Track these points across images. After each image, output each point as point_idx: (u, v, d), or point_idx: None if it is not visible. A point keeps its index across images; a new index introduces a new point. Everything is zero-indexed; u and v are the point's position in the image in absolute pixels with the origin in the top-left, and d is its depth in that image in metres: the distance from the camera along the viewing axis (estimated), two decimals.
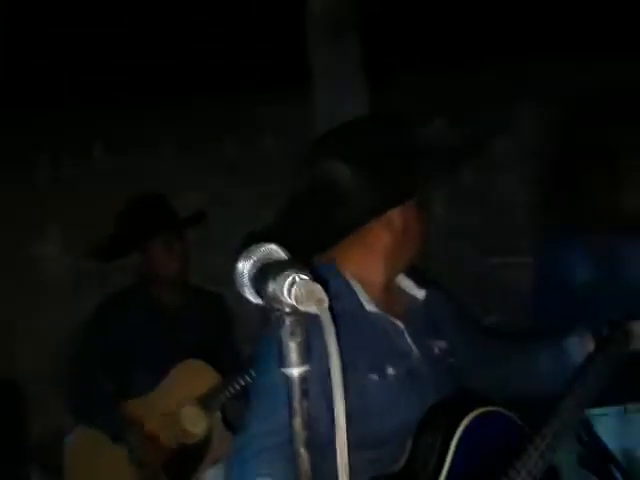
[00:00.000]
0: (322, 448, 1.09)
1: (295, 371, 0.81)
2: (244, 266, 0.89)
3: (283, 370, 0.82)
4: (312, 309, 0.76)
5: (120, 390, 2.60)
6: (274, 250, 0.89)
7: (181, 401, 2.52)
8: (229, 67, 3.60)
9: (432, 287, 1.60)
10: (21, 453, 3.23)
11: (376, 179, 1.43)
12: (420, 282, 1.58)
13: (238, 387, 2.46)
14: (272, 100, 3.69)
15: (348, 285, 1.48)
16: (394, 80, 3.70)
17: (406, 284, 1.57)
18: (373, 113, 3.15)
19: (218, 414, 2.53)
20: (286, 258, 0.88)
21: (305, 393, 0.81)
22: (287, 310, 0.80)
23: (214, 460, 2.54)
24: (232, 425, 2.54)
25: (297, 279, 0.78)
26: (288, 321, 0.81)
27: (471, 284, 3.43)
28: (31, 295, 3.63)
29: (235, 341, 2.83)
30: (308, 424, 0.82)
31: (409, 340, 1.50)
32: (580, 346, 1.62)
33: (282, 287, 0.78)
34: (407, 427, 1.41)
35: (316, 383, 1.15)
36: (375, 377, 1.41)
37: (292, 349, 0.81)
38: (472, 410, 1.42)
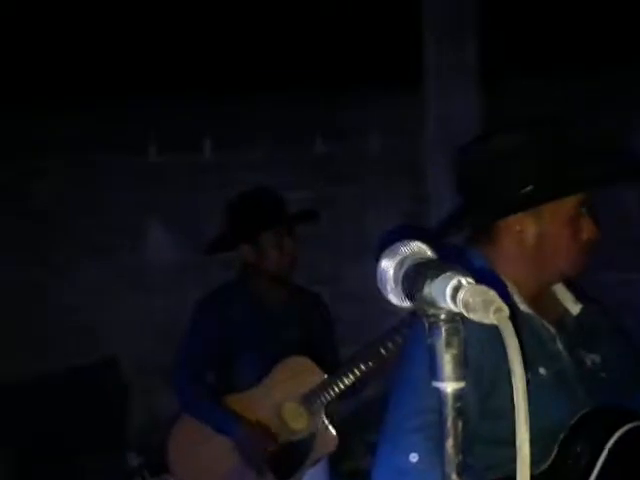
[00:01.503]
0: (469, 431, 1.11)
1: (449, 386, 0.72)
2: (388, 265, 0.81)
3: (435, 384, 0.73)
4: (489, 319, 0.67)
5: (224, 384, 2.60)
6: (422, 249, 0.81)
7: (284, 397, 2.50)
8: (341, 64, 3.55)
9: (591, 303, 1.55)
10: (122, 438, 3.30)
11: (542, 169, 1.41)
12: (579, 297, 1.53)
13: (343, 387, 2.41)
14: (384, 100, 3.62)
15: (501, 281, 1.43)
16: (507, 84, 3.56)
17: (563, 296, 1.53)
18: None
19: (323, 414, 2.48)
20: (435, 257, 0.79)
21: (460, 412, 0.72)
22: (443, 317, 0.72)
23: (316, 459, 2.51)
24: (336, 425, 2.48)
25: (463, 283, 0.69)
26: (444, 329, 0.72)
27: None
28: (135, 285, 3.70)
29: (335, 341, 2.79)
30: (462, 446, 0.73)
31: (560, 346, 1.46)
32: None
33: (443, 291, 0.69)
34: (552, 430, 1.38)
35: (471, 371, 1.18)
36: (528, 375, 1.35)
37: (447, 361, 0.72)
38: (625, 423, 1.38)
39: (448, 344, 0.72)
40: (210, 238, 2.84)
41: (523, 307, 1.44)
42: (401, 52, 3.43)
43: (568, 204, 1.43)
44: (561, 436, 1.39)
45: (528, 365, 1.36)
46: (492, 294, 0.68)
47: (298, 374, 2.52)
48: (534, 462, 1.36)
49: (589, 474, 1.36)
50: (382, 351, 2.38)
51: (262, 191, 2.72)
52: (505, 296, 1.39)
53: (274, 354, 2.54)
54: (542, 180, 1.41)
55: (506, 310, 0.68)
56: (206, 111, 3.73)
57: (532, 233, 1.44)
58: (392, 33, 3.46)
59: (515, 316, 1.36)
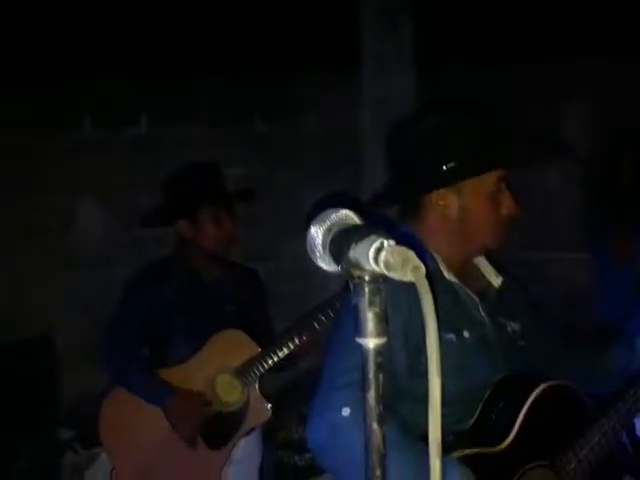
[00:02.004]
0: (396, 390, 1.30)
1: (371, 342, 0.78)
2: (317, 231, 0.86)
3: (358, 340, 0.78)
4: (407, 277, 0.72)
5: (157, 358, 2.61)
6: (349, 215, 0.86)
7: (218, 370, 2.53)
8: (281, 44, 3.56)
9: (509, 276, 1.66)
10: (52, 413, 3.27)
11: (463, 147, 1.50)
12: (499, 271, 1.63)
13: (276, 360, 2.46)
14: (322, 81, 3.65)
15: (428, 252, 1.52)
16: (443, 68, 3.64)
17: (486, 270, 1.62)
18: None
19: (256, 386, 2.52)
20: (361, 224, 0.85)
21: (380, 366, 0.78)
22: (367, 278, 0.77)
23: (249, 430, 2.55)
24: (269, 397, 2.53)
25: (385, 245, 0.74)
26: (367, 289, 0.77)
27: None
28: (68, 262, 3.65)
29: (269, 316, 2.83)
30: (383, 398, 0.79)
31: (483, 314, 1.56)
32: None
33: (367, 253, 0.75)
34: (477, 390, 1.49)
35: (398, 329, 1.33)
36: (452, 337, 1.47)
37: (369, 319, 0.77)
38: (543, 382, 1.50)
39: (371, 303, 0.77)
40: (144, 213, 2.82)
41: (449, 276, 1.53)
42: (338, 34, 3.46)
43: (488, 180, 1.52)
44: (485, 395, 1.49)
45: (453, 328, 1.48)
46: (410, 254, 0.73)
47: (232, 347, 2.55)
48: (460, 419, 1.48)
49: (511, 427, 1.47)
50: (315, 325, 2.44)
51: (203, 167, 2.69)
52: (429, 263, 1.50)
53: (209, 328, 2.55)
54: (463, 157, 1.50)
55: (422, 268, 0.73)
56: (142, 87, 3.68)
57: (455, 207, 1.53)
58: (330, 14, 3.49)
59: (439, 283, 1.47)
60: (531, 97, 3.64)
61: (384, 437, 0.79)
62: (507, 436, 1.46)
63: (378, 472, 0.78)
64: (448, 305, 1.47)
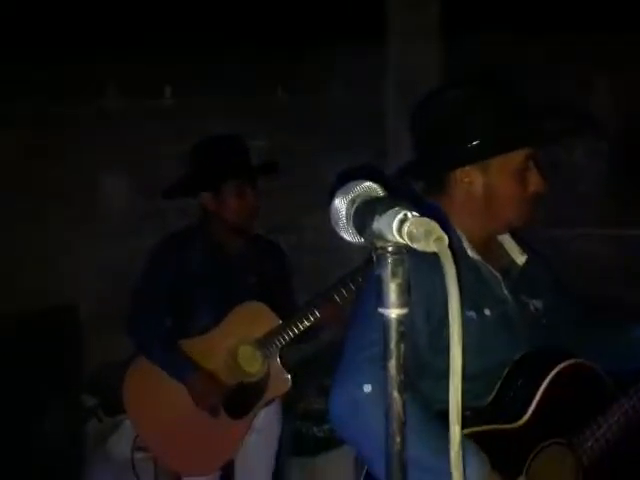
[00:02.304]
0: (419, 367, 1.32)
1: (393, 312, 0.78)
2: (341, 203, 0.87)
3: (381, 310, 0.79)
4: (430, 247, 0.73)
5: (180, 328, 2.64)
6: (373, 188, 0.86)
7: (240, 341, 2.56)
8: (307, 15, 3.53)
9: (533, 254, 1.65)
10: (77, 381, 3.33)
11: (489, 124, 1.48)
12: (525, 250, 1.62)
13: (297, 331, 2.48)
14: (347, 53, 3.62)
15: (452, 229, 1.52)
16: (469, 41, 3.59)
17: (510, 247, 1.62)
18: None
19: (277, 357, 2.55)
20: (385, 195, 0.85)
21: (402, 336, 0.79)
22: (390, 249, 0.78)
23: (269, 400, 2.59)
24: (289, 368, 2.56)
25: (409, 216, 0.74)
26: (390, 260, 0.78)
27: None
28: (93, 232, 3.69)
29: (292, 288, 2.85)
30: (403, 367, 0.80)
31: (506, 291, 1.55)
32: None
33: (390, 224, 0.75)
34: (496, 367, 1.49)
35: (420, 306, 1.33)
36: (473, 315, 1.47)
37: (392, 289, 0.78)
38: (563, 360, 1.50)
39: (394, 274, 0.78)
40: (168, 184, 2.83)
41: (472, 254, 1.52)
42: (365, 4, 3.42)
43: (515, 158, 1.49)
44: (504, 372, 1.49)
45: (475, 306, 1.48)
46: (433, 224, 0.74)
47: (254, 319, 2.57)
48: (479, 396, 1.49)
49: (529, 405, 1.47)
50: (336, 298, 2.45)
51: (228, 139, 2.67)
52: (453, 239, 1.50)
53: (231, 300, 2.58)
54: (488, 135, 1.47)
55: (445, 239, 0.74)
56: (167, 59, 3.68)
57: (480, 185, 1.51)
58: None
59: (462, 260, 1.47)
60: (561, 71, 3.57)
61: (404, 405, 0.79)
62: (524, 413, 1.47)
63: (398, 439, 0.79)
64: (470, 283, 1.46)
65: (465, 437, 1.35)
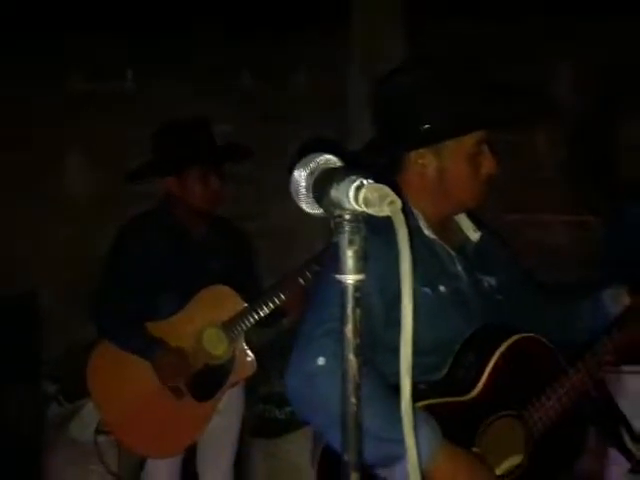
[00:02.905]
0: (374, 342, 1.35)
1: (350, 278, 0.81)
2: (300, 174, 0.89)
3: (338, 277, 0.82)
4: (384, 211, 0.75)
5: (145, 311, 2.62)
6: (331, 159, 0.89)
7: (205, 324, 2.57)
8: (268, 1, 3.52)
9: (488, 232, 1.68)
10: (37, 367, 3.31)
11: (440, 107, 1.49)
12: (478, 226, 1.66)
13: (262, 314, 2.50)
14: (311, 38, 3.63)
15: (409, 209, 1.55)
16: (433, 25, 3.62)
17: (465, 224, 1.65)
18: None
19: (243, 341, 2.57)
20: (343, 166, 0.87)
21: (358, 301, 0.81)
22: (347, 217, 0.80)
23: (234, 383, 2.61)
24: (255, 351, 2.58)
25: (364, 183, 0.77)
26: (347, 228, 0.80)
27: None
28: (55, 217, 3.65)
29: (257, 272, 2.86)
30: (359, 332, 0.83)
31: (459, 268, 1.60)
32: (615, 298, 1.70)
33: (347, 192, 0.78)
34: (449, 342, 1.53)
35: (375, 280, 1.34)
36: (428, 291, 1.51)
37: (349, 256, 0.80)
38: (513, 335, 1.54)
39: (350, 242, 0.81)
40: (133, 168, 2.80)
41: (427, 232, 1.57)
42: None
43: (467, 142, 1.52)
44: (456, 347, 1.53)
45: (429, 283, 1.51)
46: (387, 190, 0.76)
47: (219, 302, 2.59)
48: (432, 370, 1.53)
49: (479, 378, 1.51)
50: (300, 281, 2.48)
51: (193, 123, 2.65)
52: (409, 218, 1.53)
53: (196, 283, 2.58)
54: (440, 118, 1.49)
55: (399, 202, 0.77)
56: (129, 42, 3.64)
57: (433, 167, 1.54)
58: None
59: (417, 238, 1.49)
60: (519, 55, 3.63)
61: (360, 368, 0.82)
62: (475, 386, 1.50)
63: (354, 400, 0.81)
64: (425, 260, 1.50)
65: (416, 408, 1.40)
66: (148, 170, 2.69)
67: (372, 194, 0.76)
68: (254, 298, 2.56)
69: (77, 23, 3.49)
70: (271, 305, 2.51)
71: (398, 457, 1.36)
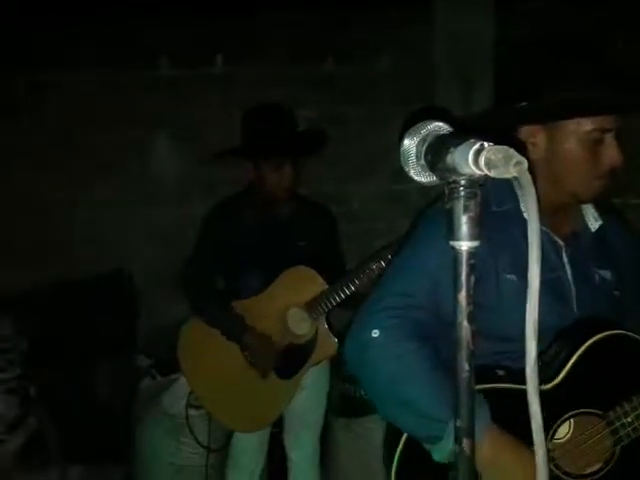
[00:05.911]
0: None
1: (465, 245, 0.80)
2: (411, 142, 0.89)
3: (452, 243, 0.81)
4: (510, 173, 0.73)
5: (232, 291, 2.70)
6: (442, 126, 0.88)
7: (289, 304, 2.61)
8: None
9: (614, 221, 1.58)
10: (131, 342, 3.44)
11: (557, 81, 1.39)
12: (603, 213, 1.55)
13: (344, 296, 2.52)
14: (395, 20, 3.59)
15: (512, 191, 1.48)
16: (517, 4, 3.52)
17: (588, 211, 1.56)
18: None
19: (324, 321, 2.59)
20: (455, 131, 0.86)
21: (472, 268, 0.81)
22: (463, 182, 0.79)
23: (317, 362, 2.64)
24: (336, 331, 2.60)
25: (485, 145, 0.76)
26: (463, 194, 0.79)
27: None
28: (144, 198, 3.76)
29: (341, 252, 2.87)
30: (472, 299, 0.82)
31: (565, 259, 1.50)
32: None
33: (466, 156, 0.76)
34: (539, 332, 1.45)
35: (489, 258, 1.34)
36: (513, 277, 1.45)
37: (464, 222, 0.80)
38: (605, 330, 1.45)
39: (466, 207, 0.80)
40: (215, 153, 2.83)
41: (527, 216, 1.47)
42: None
43: (585, 127, 1.39)
44: (545, 337, 1.44)
45: (518, 268, 1.45)
46: (512, 151, 0.75)
47: (301, 283, 2.61)
48: (516, 358, 1.45)
49: (561, 370, 1.44)
50: (382, 263, 2.47)
51: (274, 114, 2.63)
52: (512, 202, 1.46)
53: (280, 263, 2.62)
54: (556, 95, 1.37)
55: (525, 163, 0.75)
56: (218, 27, 3.70)
57: (543, 147, 1.44)
58: None
59: (516, 223, 1.43)
60: (616, 36, 3.47)
61: (474, 334, 0.82)
62: (555, 378, 1.43)
63: (466, 367, 0.81)
64: (518, 245, 1.40)
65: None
66: (229, 153, 2.71)
67: (496, 155, 0.74)
68: (337, 279, 2.57)
69: (163, 9, 3.57)
70: (352, 287, 2.51)
71: (437, 437, 1.35)
